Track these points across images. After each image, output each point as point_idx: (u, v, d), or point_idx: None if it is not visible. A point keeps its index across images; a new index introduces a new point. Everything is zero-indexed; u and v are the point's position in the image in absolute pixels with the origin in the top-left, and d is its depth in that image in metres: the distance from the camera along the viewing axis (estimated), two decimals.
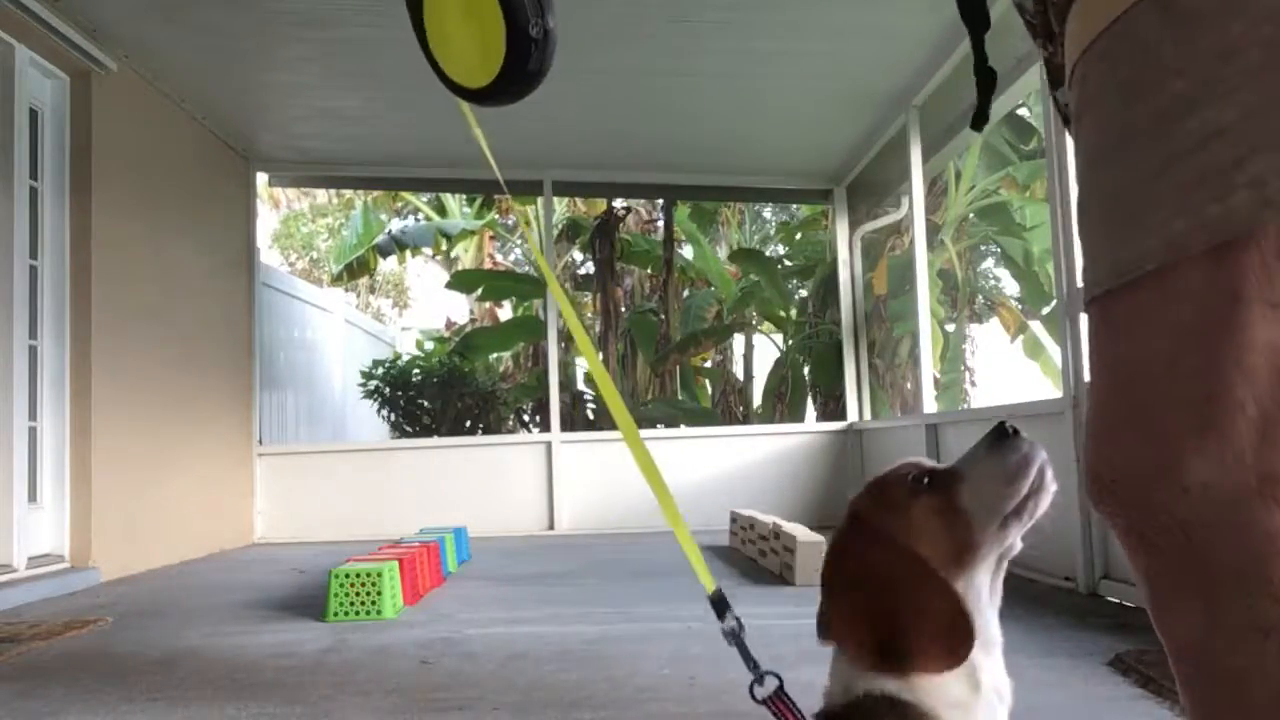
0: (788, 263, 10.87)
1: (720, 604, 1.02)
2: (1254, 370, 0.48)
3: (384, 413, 8.11)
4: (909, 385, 8.15)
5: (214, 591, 3.77)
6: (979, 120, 0.84)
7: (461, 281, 9.60)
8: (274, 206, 18.54)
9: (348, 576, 3.07)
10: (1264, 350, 0.48)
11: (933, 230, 7.97)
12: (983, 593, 0.95)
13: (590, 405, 9.57)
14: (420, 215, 12.63)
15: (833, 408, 7.71)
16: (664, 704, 1.97)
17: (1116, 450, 0.57)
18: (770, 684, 0.98)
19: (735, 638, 1.00)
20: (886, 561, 0.85)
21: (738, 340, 10.74)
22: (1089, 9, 0.55)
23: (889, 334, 8.03)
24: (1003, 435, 0.87)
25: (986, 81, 0.79)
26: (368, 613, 3.03)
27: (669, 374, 9.88)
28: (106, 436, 4.15)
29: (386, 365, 8.13)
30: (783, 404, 8.75)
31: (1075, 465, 3.17)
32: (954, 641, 0.84)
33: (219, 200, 5.57)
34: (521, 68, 0.71)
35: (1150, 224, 0.51)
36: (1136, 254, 0.52)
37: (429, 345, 8.57)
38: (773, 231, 13.11)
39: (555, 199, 7.93)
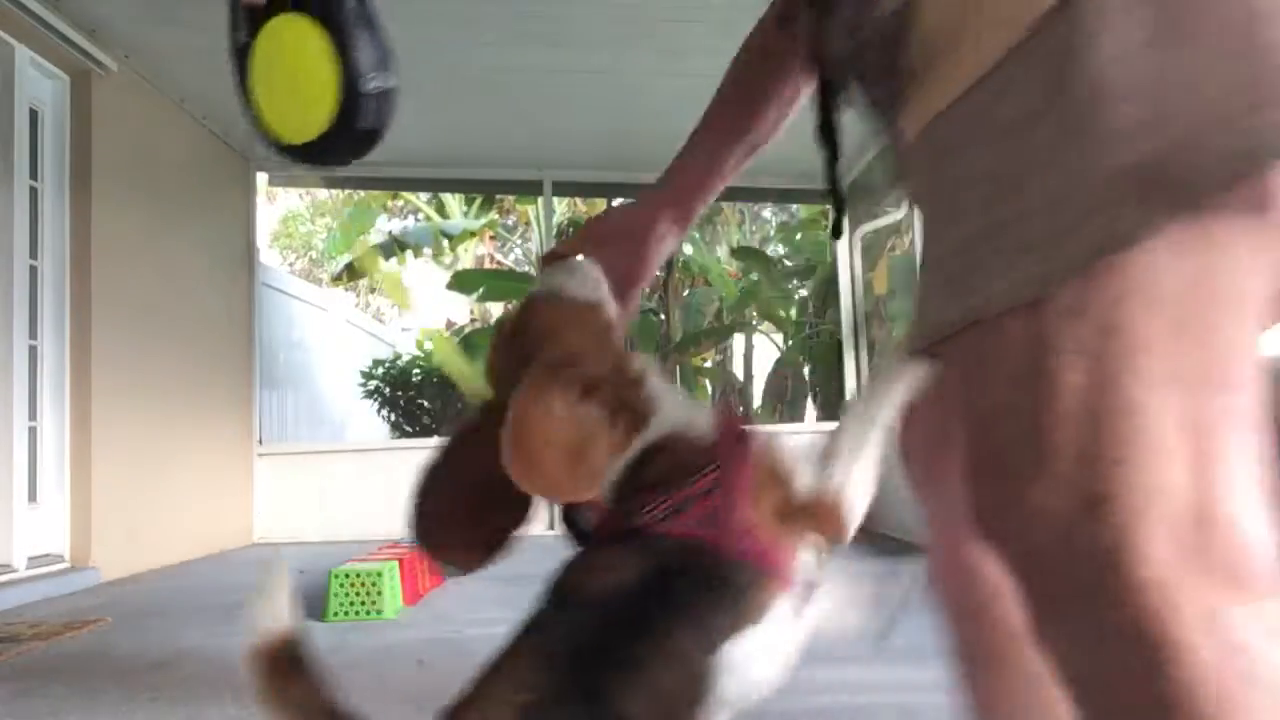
0: (788, 263, 10.87)
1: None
2: (1067, 411, 0.58)
3: (384, 413, 8.11)
4: None
5: (214, 591, 3.77)
6: (836, 232, 0.96)
7: (462, 282, 9.60)
8: (270, 201, 18.52)
9: (348, 576, 3.07)
10: (1074, 392, 0.57)
11: None
12: None
13: None
14: (420, 215, 12.63)
15: (833, 408, 7.71)
16: None
17: (980, 489, 0.66)
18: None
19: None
20: None
21: (738, 340, 10.74)
22: (914, 113, 0.66)
23: (889, 334, 8.03)
24: None
25: (839, 203, 0.90)
26: (368, 613, 3.03)
27: (669, 374, 9.87)
28: (106, 436, 4.15)
29: (386, 365, 8.13)
30: (783, 404, 8.75)
31: None
32: None
33: (219, 200, 5.57)
34: (352, 124, 0.65)
35: (975, 285, 0.61)
36: (962, 310, 0.62)
37: (429, 345, 8.57)
38: (773, 231, 13.11)
39: (555, 199, 7.92)
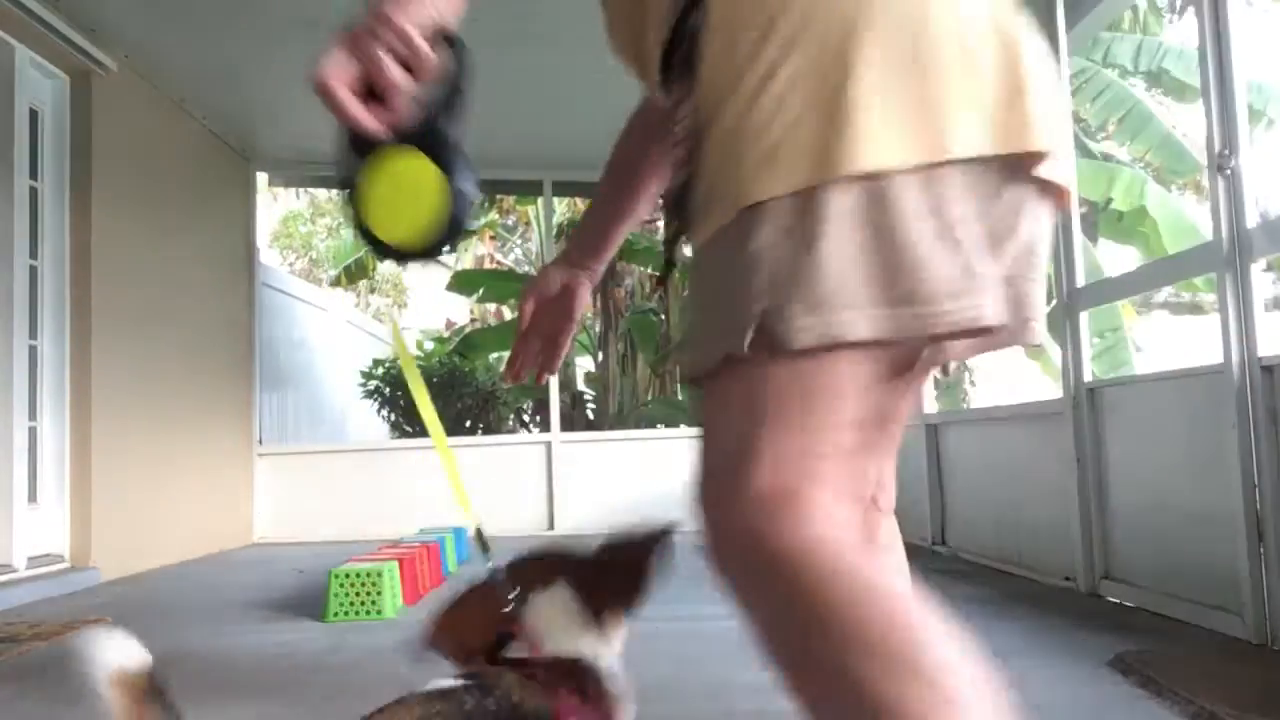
0: None
1: (481, 541, 1.24)
2: (718, 441, 0.88)
3: (384, 413, 8.11)
4: None
5: (214, 591, 3.77)
6: (668, 267, 1.14)
7: (462, 282, 9.60)
8: (274, 199, 18.51)
9: (348, 576, 3.07)
10: (720, 431, 0.87)
11: None
12: None
13: (590, 405, 9.57)
14: None
15: None
16: (664, 703, 1.97)
17: (705, 491, 0.91)
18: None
19: (495, 574, 1.14)
20: None
21: None
22: (695, 235, 0.93)
23: None
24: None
25: (670, 266, 1.11)
26: (368, 613, 3.03)
27: (669, 374, 9.87)
28: (106, 436, 4.15)
29: (386, 365, 8.13)
30: None
31: (1076, 464, 3.17)
32: None
33: (219, 200, 5.57)
34: (461, 225, 0.81)
35: (688, 354, 0.92)
36: (686, 368, 0.92)
37: (429, 345, 8.57)
38: None
39: (555, 199, 7.92)
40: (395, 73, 0.82)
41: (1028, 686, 2.03)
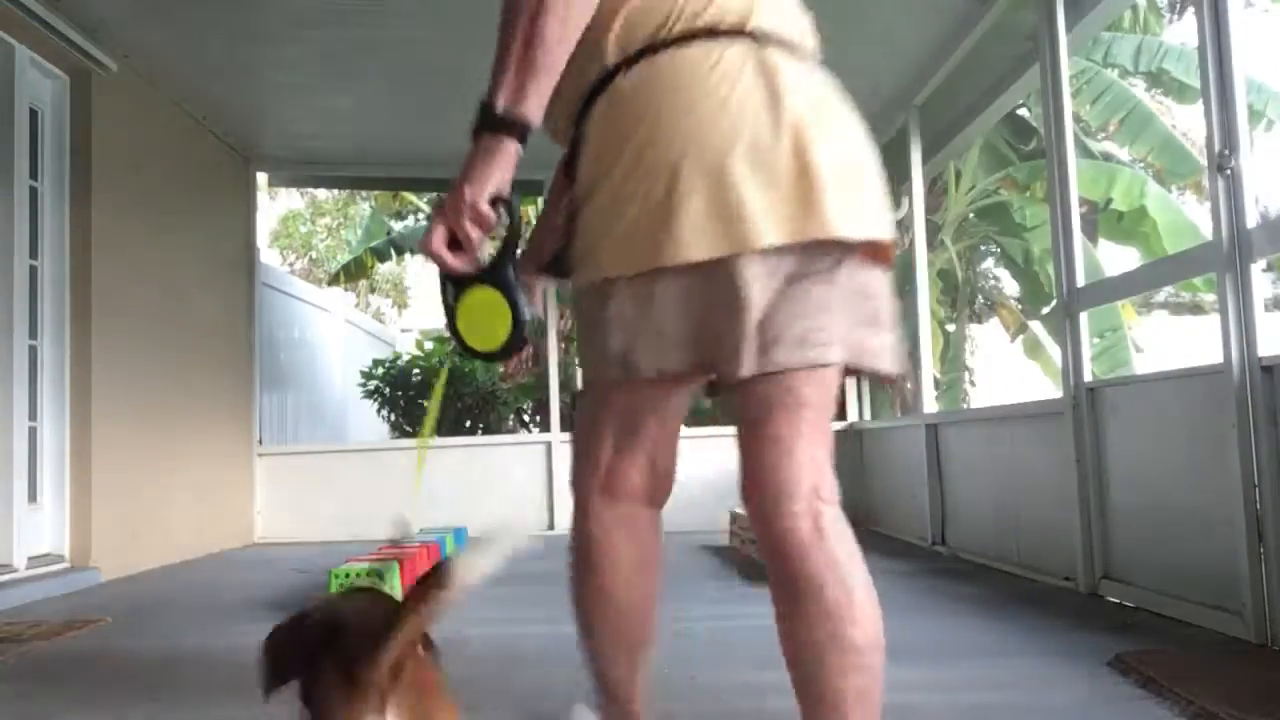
0: None
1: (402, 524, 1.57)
2: (604, 430, 1.32)
3: (384, 413, 8.11)
4: (909, 385, 8.14)
5: (214, 591, 3.77)
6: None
7: None
8: (273, 198, 18.49)
9: (347, 576, 3.06)
10: (610, 418, 1.31)
11: (933, 230, 7.96)
12: None
13: None
14: (421, 215, 12.63)
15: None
16: (665, 704, 1.97)
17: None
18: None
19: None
20: None
21: None
22: (575, 280, 1.26)
23: None
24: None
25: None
26: None
27: None
28: (106, 436, 4.15)
29: (386, 365, 8.12)
30: None
31: (1076, 464, 3.17)
32: None
33: (219, 200, 5.57)
34: (521, 341, 1.18)
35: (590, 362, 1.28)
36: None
37: (429, 345, 8.56)
38: None
39: None
40: (471, 231, 1.14)
41: (1028, 686, 2.04)
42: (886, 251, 1.22)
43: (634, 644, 1.41)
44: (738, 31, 1.18)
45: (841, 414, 6.64)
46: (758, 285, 1.12)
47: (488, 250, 1.17)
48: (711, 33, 1.17)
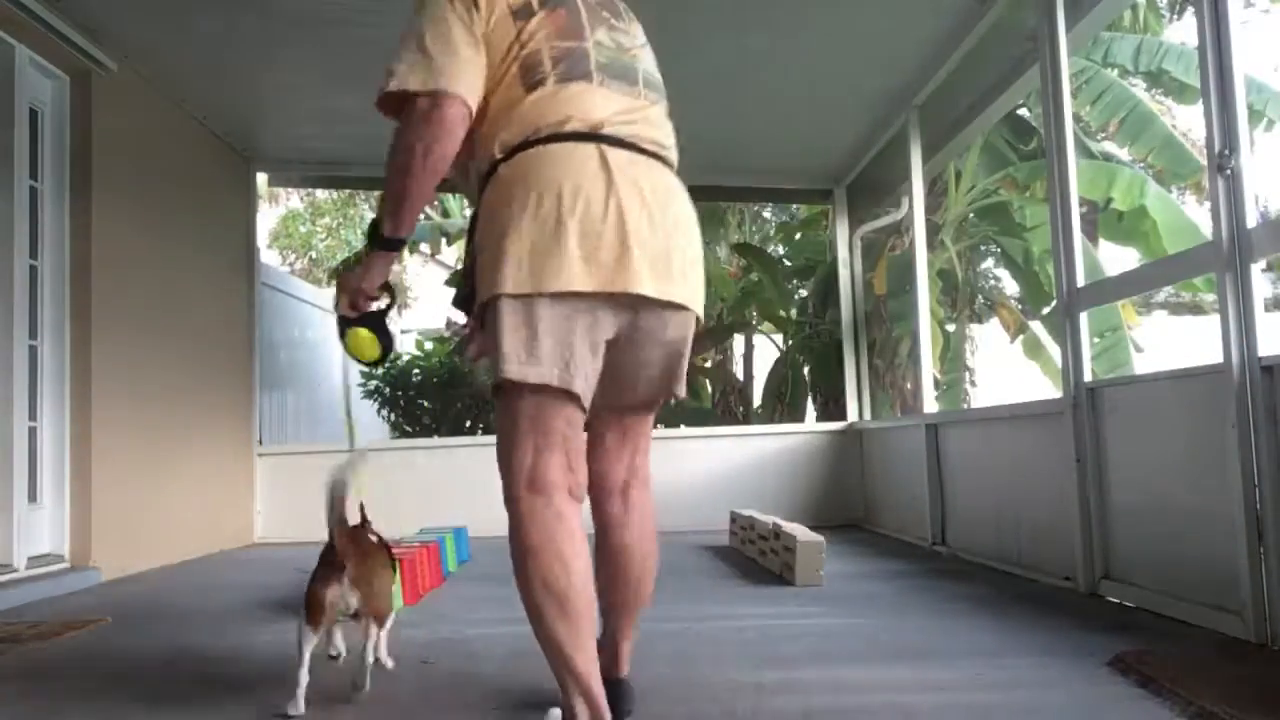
0: (788, 263, 10.86)
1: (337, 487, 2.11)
2: (526, 434, 1.63)
3: (384, 413, 8.10)
4: (909, 385, 8.14)
5: (214, 591, 3.77)
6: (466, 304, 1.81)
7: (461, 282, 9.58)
8: (272, 203, 18.51)
9: None
10: (523, 423, 1.63)
11: (933, 230, 7.96)
12: None
13: None
14: (421, 214, 12.63)
15: (833, 408, 7.71)
16: (665, 704, 1.97)
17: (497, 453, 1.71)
18: None
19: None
20: None
21: (738, 340, 10.74)
22: (478, 302, 1.67)
23: (889, 334, 8.03)
24: None
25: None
26: None
27: None
28: (106, 436, 4.15)
29: (387, 365, 8.12)
30: (783, 404, 8.74)
31: (1075, 465, 3.17)
32: None
33: (219, 200, 5.57)
34: (385, 357, 1.87)
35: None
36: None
37: (429, 345, 8.55)
38: (773, 231, 13.10)
39: None
40: (359, 302, 1.81)
41: (1028, 686, 2.04)
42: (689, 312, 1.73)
43: (592, 623, 1.60)
44: (589, 135, 1.62)
45: (842, 414, 6.65)
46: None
47: (376, 305, 1.85)
48: (568, 135, 1.62)
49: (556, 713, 1.68)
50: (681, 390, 1.79)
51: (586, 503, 1.75)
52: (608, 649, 1.82)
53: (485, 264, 1.61)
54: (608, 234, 1.56)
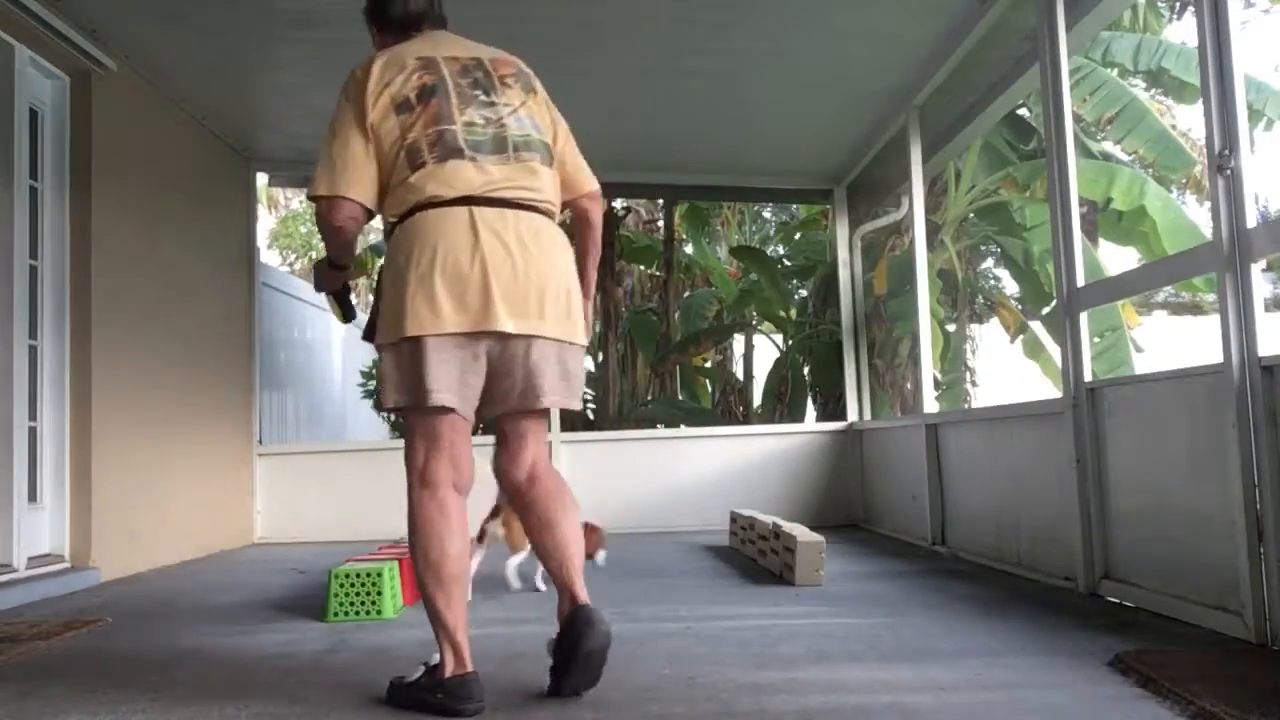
0: (787, 263, 10.86)
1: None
2: (420, 442, 2.12)
3: (384, 413, 8.10)
4: (909, 385, 8.14)
5: (214, 591, 3.77)
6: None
7: None
8: (272, 208, 18.52)
9: (348, 576, 3.07)
10: (418, 434, 2.11)
11: (933, 230, 7.96)
12: None
13: (590, 405, 9.56)
14: None
15: (833, 408, 7.71)
16: (665, 704, 1.97)
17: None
18: None
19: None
20: None
21: (738, 340, 10.74)
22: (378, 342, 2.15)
23: (889, 334, 8.03)
24: None
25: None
26: (368, 613, 3.03)
27: (669, 374, 9.87)
28: (106, 436, 4.15)
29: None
30: (783, 404, 8.74)
31: (1075, 465, 3.17)
32: None
33: (219, 200, 5.57)
34: (351, 317, 2.43)
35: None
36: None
37: None
38: (773, 231, 13.10)
39: None
40: (327, 287, 2.34)
41: (1028, 686, 2.04)
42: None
43: (461, 589, 2.02)
44: (461, 200, 2.00)
45: (842, 414, 6.65)
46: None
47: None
48: (444, 202, 2.00)
49: (436, 656, 2.02)
50: (544, 402, 2.10)
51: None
52: (564, 591, 2.12)
53: (384, 310, 2.04)
54: (473, 283, 1.96)
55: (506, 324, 1.98)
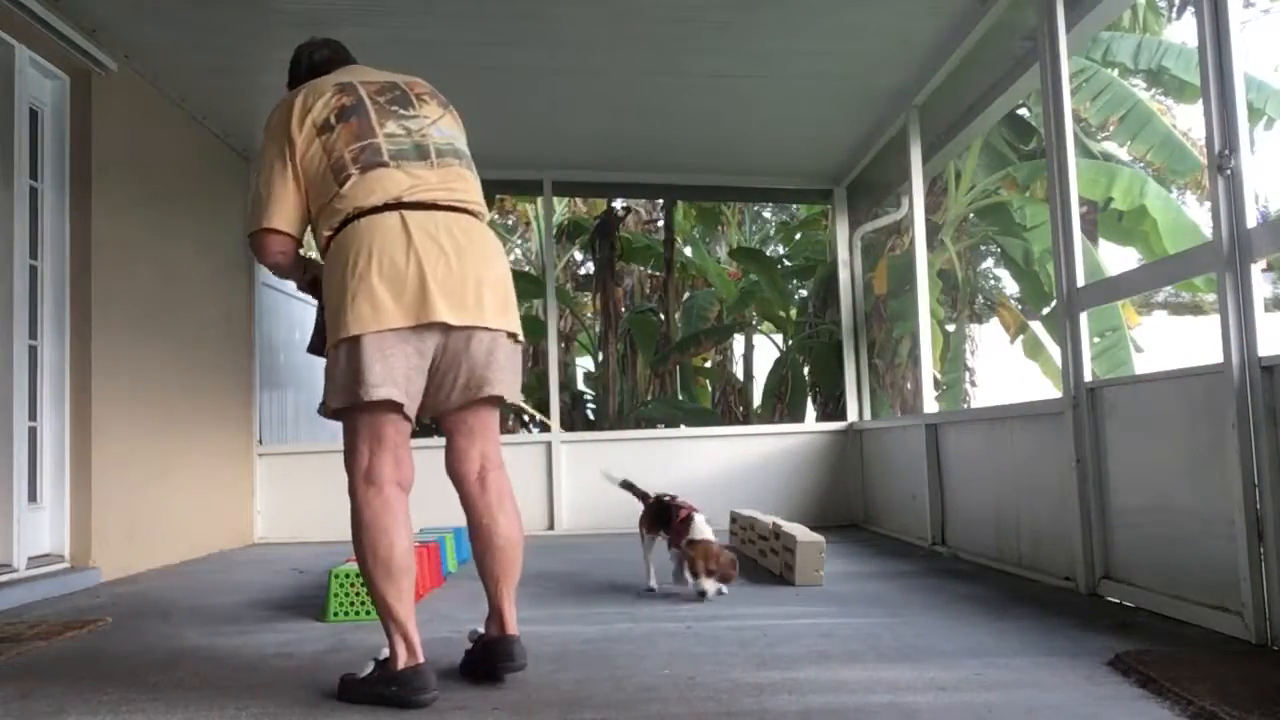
0: (788, 263, 10.86)
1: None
2: (363, 440, 2.21)
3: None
4: (909, 385, 8.14)
5: (214, 591, 3.77)
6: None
7: None
8: None
9: (348, 576, 3.07)
10: (361, 432, 2.21)
11: (933, 230, 7.96)
12: None
13: (590, 405, 9.58)
14: None
15: (833, 408, 7.71)
16: (665, 704, 1.97)
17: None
18: None
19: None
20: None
21: (738, 340, 10.74)
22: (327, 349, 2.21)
23: (889, 334, 8.03)
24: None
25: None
26: (368, 613, 3.03)
27: (669, 374, 9.87)
28: (106, 436, 4.15)
29: None
30: (783, 404, 8.75)
31: (1075, 465, 3.17)
32: None
33: (219, 200, 5.56)
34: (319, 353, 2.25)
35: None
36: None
37: None
38: (773, 231, 13.10)
39: (555, 199, 7.92)
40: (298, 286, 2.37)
41: (1028, 686, 2.04)
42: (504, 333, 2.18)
43: (410, 582, 2.08)
44: (391, 205, 2.07)
45: (841, 414, 6.65)
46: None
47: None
48: (374, 209, 2.07)
49: (385, 650, 2.06)
50: (487, 390, 2.15)
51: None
52: (495, 614, 2.19)
53: (328, 318, 2.10)
54: (410, 280, 2.01)
55: (446, 316, 2.03)
